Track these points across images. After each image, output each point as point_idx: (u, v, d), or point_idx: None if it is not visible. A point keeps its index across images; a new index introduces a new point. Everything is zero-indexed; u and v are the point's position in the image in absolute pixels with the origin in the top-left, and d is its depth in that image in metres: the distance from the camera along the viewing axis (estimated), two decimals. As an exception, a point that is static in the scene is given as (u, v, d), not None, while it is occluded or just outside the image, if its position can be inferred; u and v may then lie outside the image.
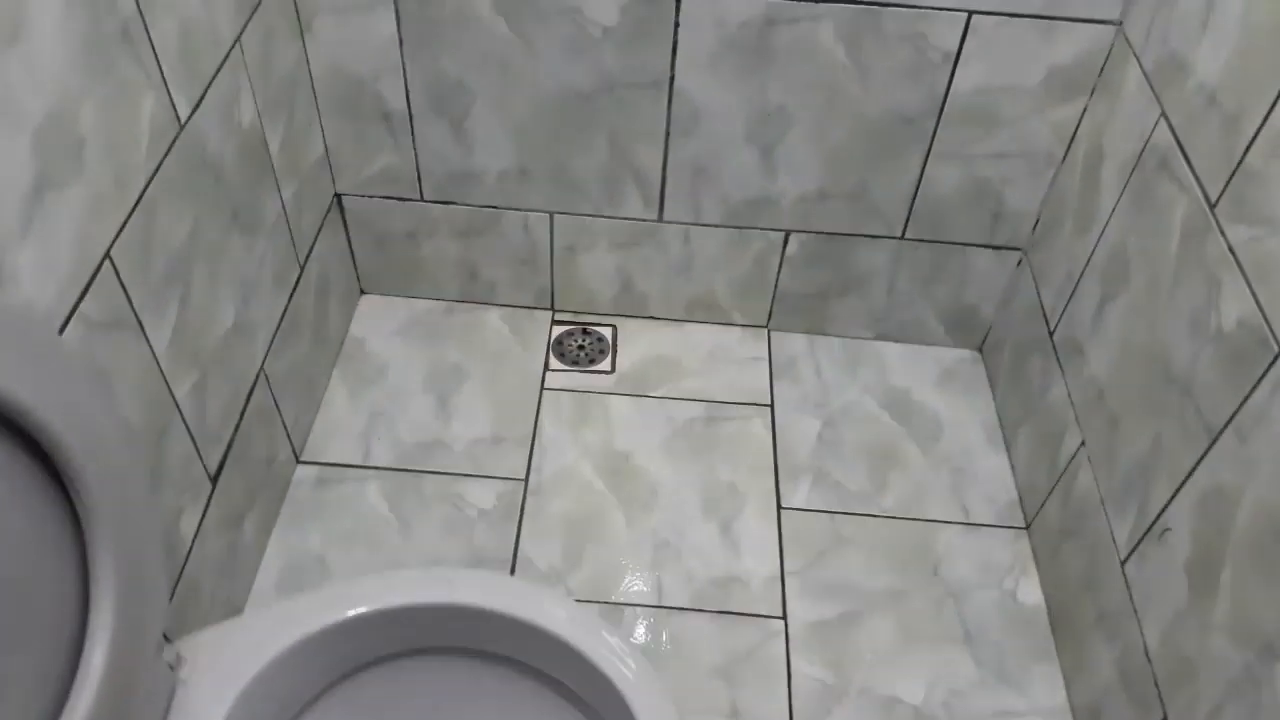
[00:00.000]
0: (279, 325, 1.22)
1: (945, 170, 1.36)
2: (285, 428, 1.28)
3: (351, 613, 0.78)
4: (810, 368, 1.52)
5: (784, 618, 1.24)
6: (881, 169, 1.36)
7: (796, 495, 1.36)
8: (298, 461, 1.35)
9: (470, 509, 1.31)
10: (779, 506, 1.35)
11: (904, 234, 1.44)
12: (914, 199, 1.40)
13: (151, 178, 0.87)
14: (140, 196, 0.85)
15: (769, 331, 1.58)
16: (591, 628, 0.76)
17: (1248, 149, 0.91)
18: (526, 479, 1.35)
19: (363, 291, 1.59)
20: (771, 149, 1.35)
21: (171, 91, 0.89)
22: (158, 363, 0.91)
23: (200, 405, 1.00)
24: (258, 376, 1.16)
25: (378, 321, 1.52)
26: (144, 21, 0.84)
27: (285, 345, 1.24)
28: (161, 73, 0.87)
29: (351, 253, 1.51)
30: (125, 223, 0.83)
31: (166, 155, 0.89)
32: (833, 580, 1.28)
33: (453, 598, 0.79)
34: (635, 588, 1.25)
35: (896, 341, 1.58)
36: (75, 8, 0.74)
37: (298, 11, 1.22)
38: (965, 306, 1.53)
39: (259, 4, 1.09)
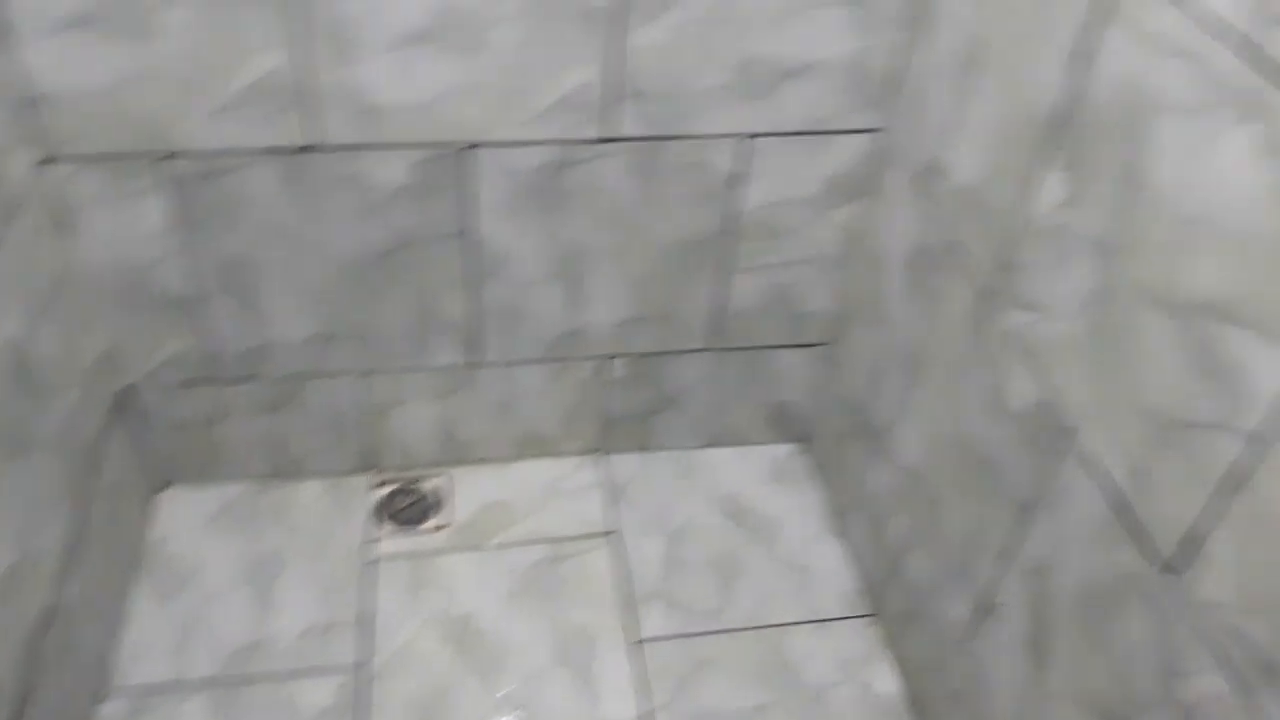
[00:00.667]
0: (70, 547, 1.10)
1: (745, 282, 1.41)
2: (87, 660, 1.14)
3: None
4: (645, 487, 1.52)
5: (657, 760, 1.20)
6: (686, 288, 1.40)
7: (650, 624, 1.34)
8: (105, 695, 1.21)
9: (306, 712, 1.21)
10: (635, 640, 1.32)
11: (716, 345, 1.48)
12: (721, 311, 1.44)
13: (-105, 428, 0.77)
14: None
15: (601, 456, 1.57)
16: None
17: (1012, 242, 0.99)
18: (366, 664, 1.26)
19: (165, 485, 1.47)
20: (580, 282, 1.37)
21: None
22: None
23: (-21, 666, 0.88)
24: (51, 612, 1.04)
25: (183, 516, 1.41)
26: None
27: (79, 567, 1.13)
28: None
29: (147, 447, 1.40)
30: None
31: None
32: (699, 708, 1.26)
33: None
34: (498, 763, 1.19)
35: (724, 447, 1.61)
36: None
37: (61, 208, 1.14)
38: (782, 404, 1.58)
39: (19, 206, 1.01)
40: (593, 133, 1.23)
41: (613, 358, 1.46)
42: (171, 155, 1.14)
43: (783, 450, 1.60)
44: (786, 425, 1.61)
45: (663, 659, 1.30)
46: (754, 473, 1.55)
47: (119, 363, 1.29)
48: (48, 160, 1.11)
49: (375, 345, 1.37)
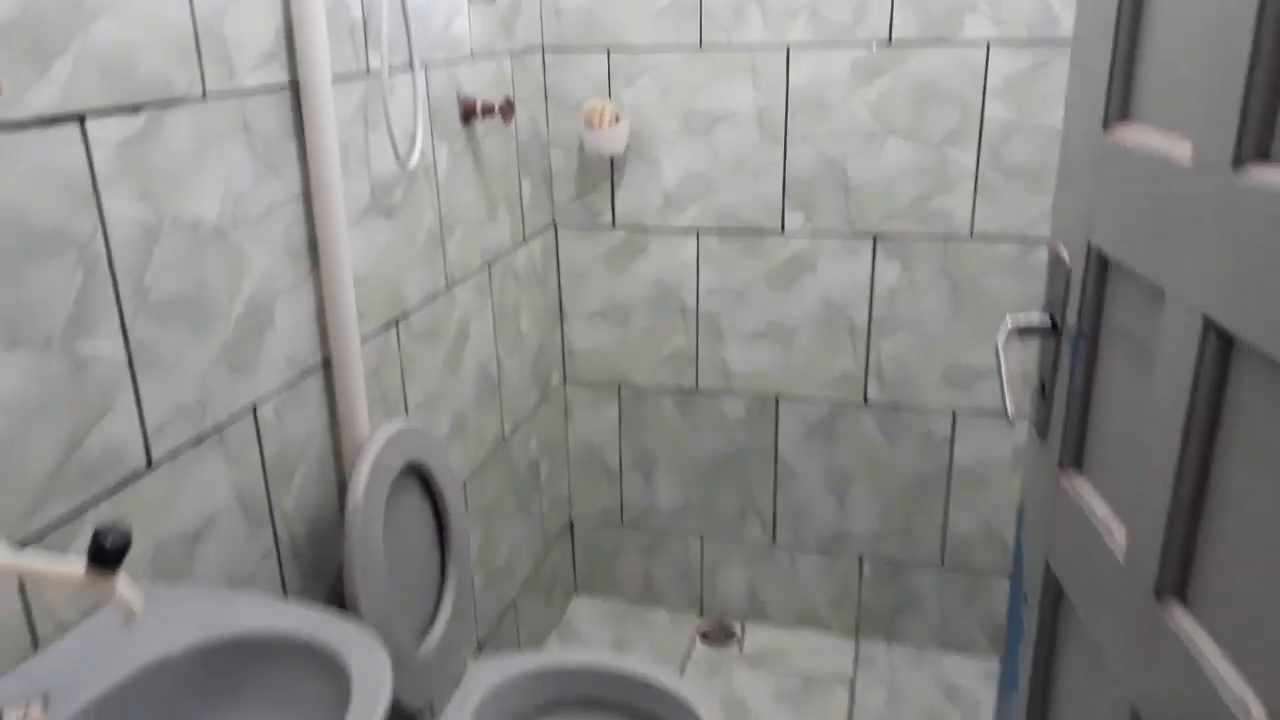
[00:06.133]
0: (521, 590, 2.15)
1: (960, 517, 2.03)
2: (527, 633, 2.17)
3: (543, 667, 1.53)
4: (884, 661, 2.15)
5: None
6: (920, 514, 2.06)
7: (850, 731, 1.98)
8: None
9: None
10: None
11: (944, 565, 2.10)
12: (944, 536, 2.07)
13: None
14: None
15: (854, 639, 2.24)
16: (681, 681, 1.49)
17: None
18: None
19: (576, 592, 2.48)
20: (843, 498, 2.11)
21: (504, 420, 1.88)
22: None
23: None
24: (510, 605, 2.08)
25: (583, 614, 2.39)
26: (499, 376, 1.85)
27: (521, 608, 2.16)
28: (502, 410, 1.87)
29: (573, 563, 2.42)
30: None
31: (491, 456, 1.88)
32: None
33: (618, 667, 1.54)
34: None
35: (951, 651, 2.17)
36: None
37: (567, 406, 2.24)
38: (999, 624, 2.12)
39: (549, 400, 2.12)
40: (856, 398, 2.01)
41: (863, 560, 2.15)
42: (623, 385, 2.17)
43: (993, 664, 2.10)
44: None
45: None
46: (971, 672, 2.09)
47: (571, 502, 2.35)
48: (566, 381, 2.21)
49: (713, 518, 2.25)
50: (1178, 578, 0.56)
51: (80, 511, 0.90)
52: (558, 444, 2.23)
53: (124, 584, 0.73)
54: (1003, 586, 2.07)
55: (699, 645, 2.22)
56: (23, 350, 0.84)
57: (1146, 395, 0.59)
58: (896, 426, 2.00)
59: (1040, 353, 0.78)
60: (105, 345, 0.92)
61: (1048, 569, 0.78)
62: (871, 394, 2.00)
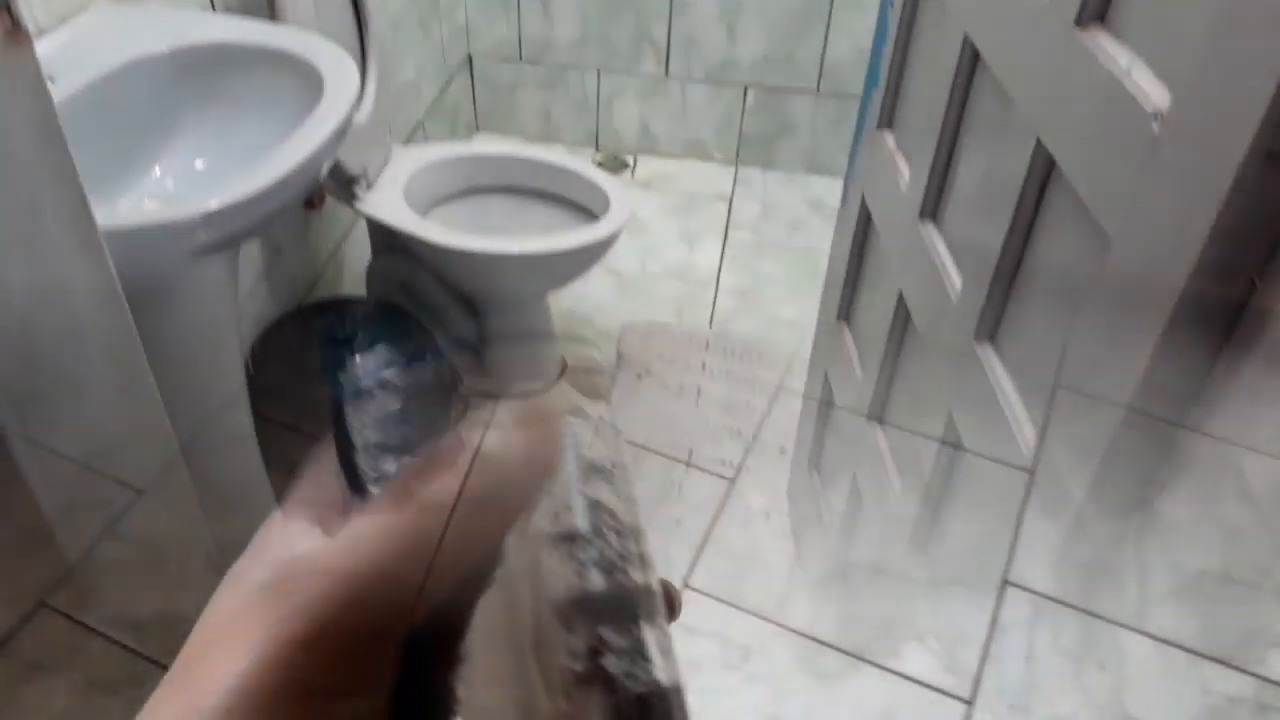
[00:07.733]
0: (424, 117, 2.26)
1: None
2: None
3: (465, 153, 1.75)
4: (759, 181, 2.41)
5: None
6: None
7: (735, 236, 2.28)
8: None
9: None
10: (723, 239, 2.28)
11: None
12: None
13: None
14: None
15: (736, 166, 2.47)
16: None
17: None
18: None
19: (478, 129, 2.60)
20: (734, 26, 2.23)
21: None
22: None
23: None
24: (418, 127, 2.22)
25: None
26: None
27: (430, 122, 2.29)
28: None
29: (474, 99, 2.51)
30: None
31: None
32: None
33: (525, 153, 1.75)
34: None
35: (822, 175, 2.43)
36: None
37: None
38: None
39: None
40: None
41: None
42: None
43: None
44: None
45: (737, 253, 2.23)
46: (834, 190, 2.36)
47: (469, 33, 2.39)
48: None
49: (609, 50, 2.35)
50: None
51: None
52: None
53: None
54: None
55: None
56: None
57: None
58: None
59: None
60: None
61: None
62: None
